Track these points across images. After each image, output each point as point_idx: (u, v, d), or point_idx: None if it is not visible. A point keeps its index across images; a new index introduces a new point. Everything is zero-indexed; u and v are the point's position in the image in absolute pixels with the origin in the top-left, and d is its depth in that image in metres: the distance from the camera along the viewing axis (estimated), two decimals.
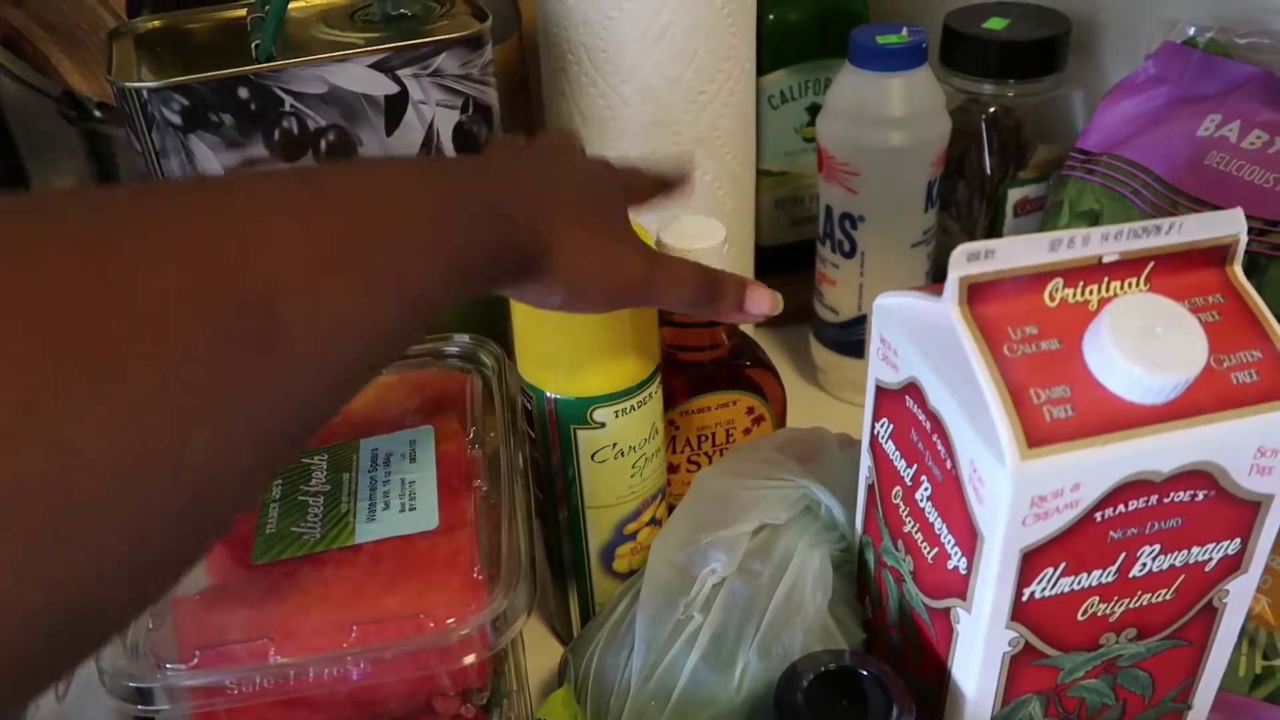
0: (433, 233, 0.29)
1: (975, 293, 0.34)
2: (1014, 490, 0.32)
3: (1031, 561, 0.34)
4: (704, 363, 0.53)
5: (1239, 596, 0.38)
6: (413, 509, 0.41)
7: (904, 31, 0.59)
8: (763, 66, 0.68)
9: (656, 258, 0.40)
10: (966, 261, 0.34)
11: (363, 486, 0.43)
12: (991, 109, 0.62)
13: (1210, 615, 0.38)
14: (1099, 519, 0.34)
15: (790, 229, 0.76)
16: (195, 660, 0.36)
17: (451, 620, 0.36)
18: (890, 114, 0.59)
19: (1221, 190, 0.48)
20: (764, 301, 0.43)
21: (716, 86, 0.57)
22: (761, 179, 0.72)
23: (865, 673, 0.38)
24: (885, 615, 0.44)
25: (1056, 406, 0.33)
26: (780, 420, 0.56)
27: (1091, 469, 0.33)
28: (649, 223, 0.48)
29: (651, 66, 0.55)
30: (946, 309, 0.34)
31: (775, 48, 0.70)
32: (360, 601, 0.37)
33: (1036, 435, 0.32)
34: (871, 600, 0.45)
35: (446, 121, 0.48)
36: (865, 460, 0.43)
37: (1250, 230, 0.46)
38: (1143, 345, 0.32)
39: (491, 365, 0.49)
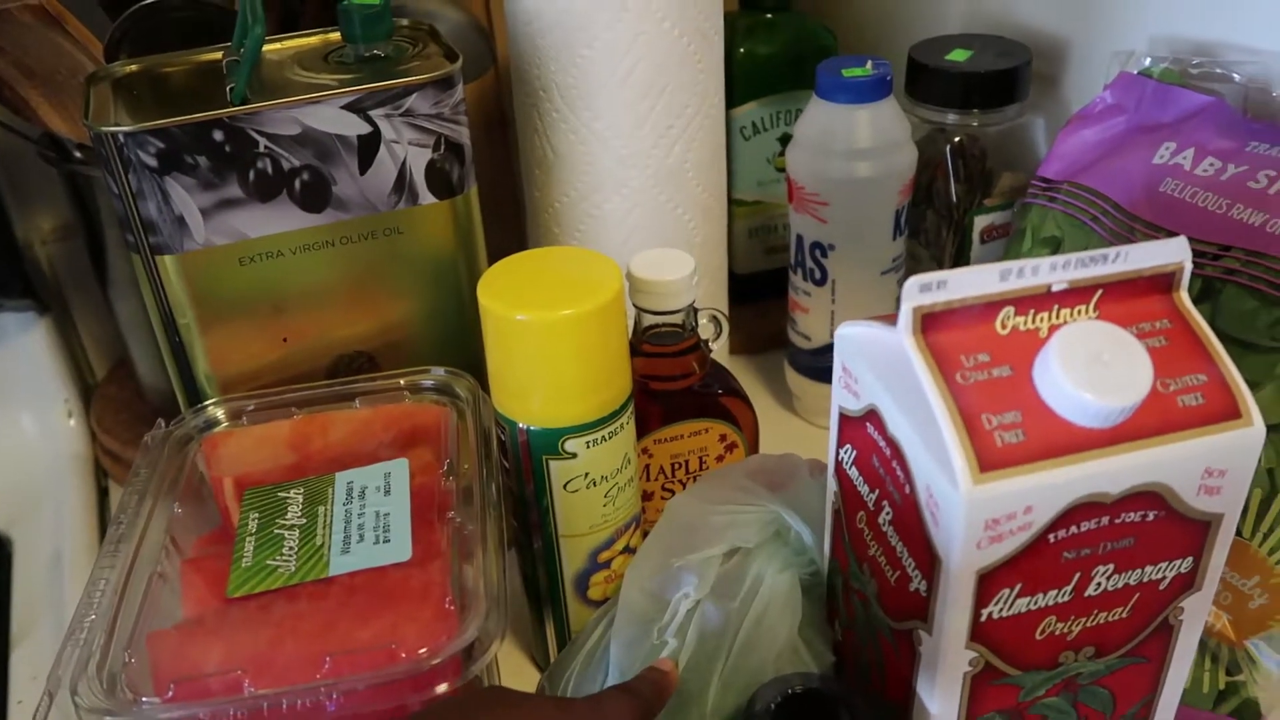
0: None
1: (929, 322, 0.35)
2: (967, 513, 0.33)
3: (988, 583, 0.35)
4: (676, 391, 0.54)
5: (1194, 613, 0.39)
6: (386, 541, 0.42)
7: (869, 65, 0.60)
8: (734, 99, 0.70)
9: None
10: (919, 292, 0.35)
11: (337, 519, 0.43)
12: (956, 138, 0.64)
13: (1167, 633, 0.39)
14: (1052, 540, 0.35)
15: (764, 257, 0.78)
16: (170, 694, 0.36)
17: (423, 650, 0.37)
18: (857, 145, 0.60)
19: (1176, 216, 0.50)
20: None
21: (685, 121, 0.58)
22: (735, 208, 0.74)
23: (831, 694, 0.39)
24: (854, 637, 0.45)
25: (1008, 432, 0.34)
26: (753, 446, 0.57)
27: (1043, 492, 0.33)
28: (620, 259, 0.49)
29: (621, 103, 0.56)
30: (900, 338, 0.35)
31: (746, 80, 0.71)
32: (333, 634, 0.38)
33: (989, 460, 0.33)
34: (841, 623, 0.46)
35: (419, 160, 0.49)
36: (831, 486, 0.44)
37: (1204, 255, 0.47)
38: (1090, 372, 0.33)
39: (467, 398, 0.50)
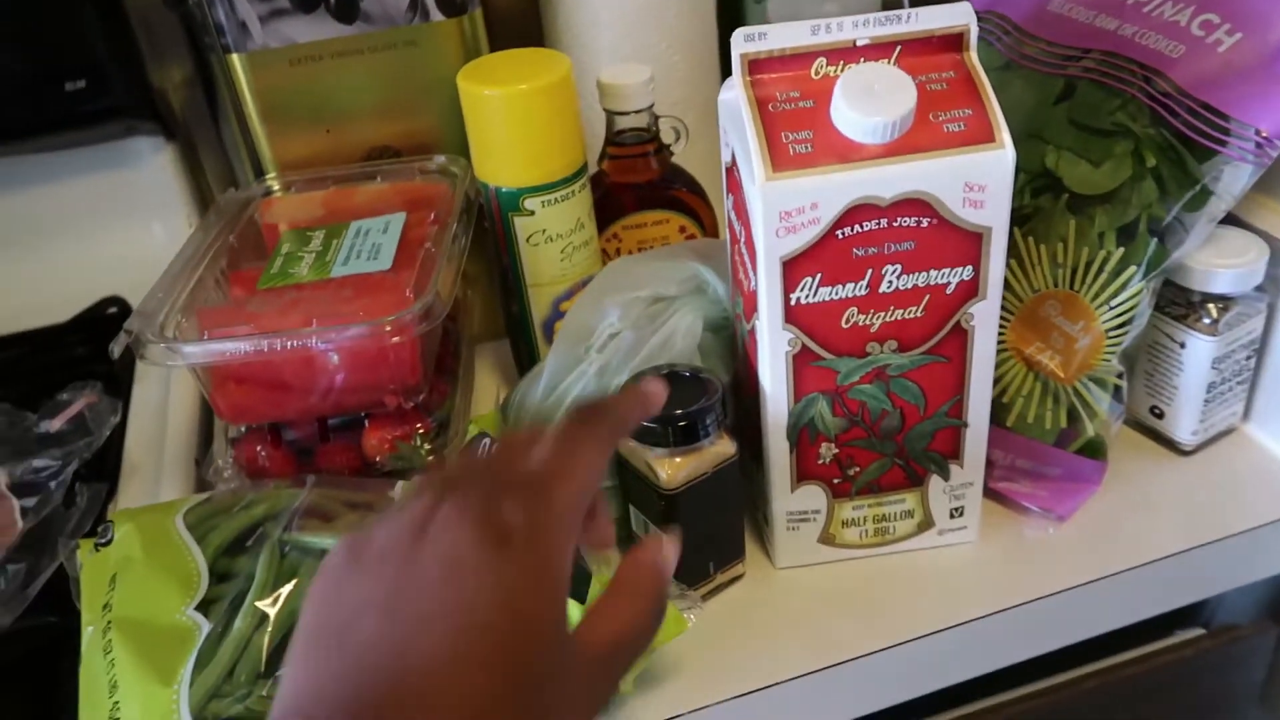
0: None
1: (754, 67, 0.45)
2: (764, 204, 0.44)
3: (791, 270, 0.45)
4: (640, 184, 0.65)
5: (985, 320, 0.48)
6: (375, 259, 0.55)
7: None
8: None
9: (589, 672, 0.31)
10: (744, 41, 0.45)
11: (345, 247, 0.57)
12: None
13: (962, 335, 0.48)
14: (840, 236, 0.45)
15: None
16: (205, 337, 0.50)
17: (384, 317, 0.50)
18: None
19: (1052, 28, 0.57)
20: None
21: None
22: None
23: (686, 374, 0.50)
24: (739, 360, 0.55)
25: (799, 145, 0.44)
26: None
27: (824, 190, 0.44)
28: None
29: None
30: (734, 79, 0.46)
31: None
32: (324, 308, 0.52)
33: (780, 163, 0.44)
34: (737, 356, 0.57)
35: None
36: (723, 234, 0.55)
37: (1069, 58, 0.56)
38: (862, 97, 0.43)
39: (460, 175, 0.63)
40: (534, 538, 0.30)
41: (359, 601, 0.29)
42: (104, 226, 0.83)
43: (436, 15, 0.63)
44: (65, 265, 0.82)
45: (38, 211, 0.81)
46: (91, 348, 0.75)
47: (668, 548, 0.34)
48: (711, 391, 0.49)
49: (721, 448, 0.49)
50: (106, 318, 0.79)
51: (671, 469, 0.48)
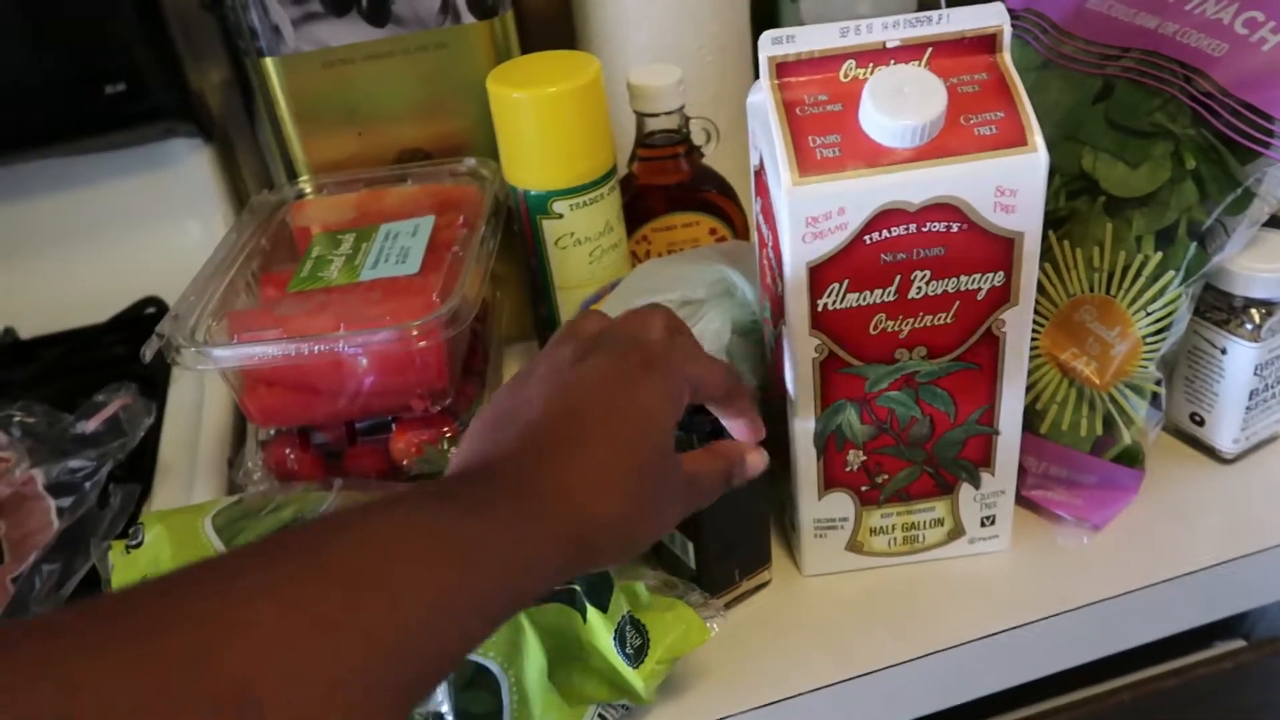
0: (443, 584, 0.28)
1: (783, 70, 0.45)
2: (790, 208, 0.43)
3: (818, 275, 0.45)
4: (671, 185, 0.65)
5: (1017, 327, 0.47)
6: (403, 262, 0.55)
7: None
8: None
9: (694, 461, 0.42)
10: (772, 44, 0.44)
11: (374, 250, 0.57)
12: None
13: (993, 342, 0.47)
14: (868, 241, 0.44)
15: None
16: (235, 340, 0.51)
17: (411, 321, 0.50)
18: None
19: (1091, 26, 0.56)
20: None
21: None
22: None
23: None
24: (767, 364, 0.55)
25: (827, 149, 0.43)
26: None
27: (852, 195, 0.43)
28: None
29: None
30: (762, 82, 0.45)
31: None
32: (352, 311, 0.52)
33: (807, 167, 0.43)
34: (766, 360, 0.56)
35: None
36: (753, 236, 0.54)
37: (1108, 57, 0.54)
38: (891, 100, 0.42)
39: (490, 177, 0.63)
40: (670, 369, 0.39)
41: (529, 396, 0.37)
42: (142, 227, 0.85)
43: (468, 17, 0.63)
44: (105, 266, 0.84)
45: (77, 213, 0.82)
46: (129, 348, 0.76)
47: (755, 450, 0.45)
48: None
49: None
50: (144, 318, 0.80)
51: None
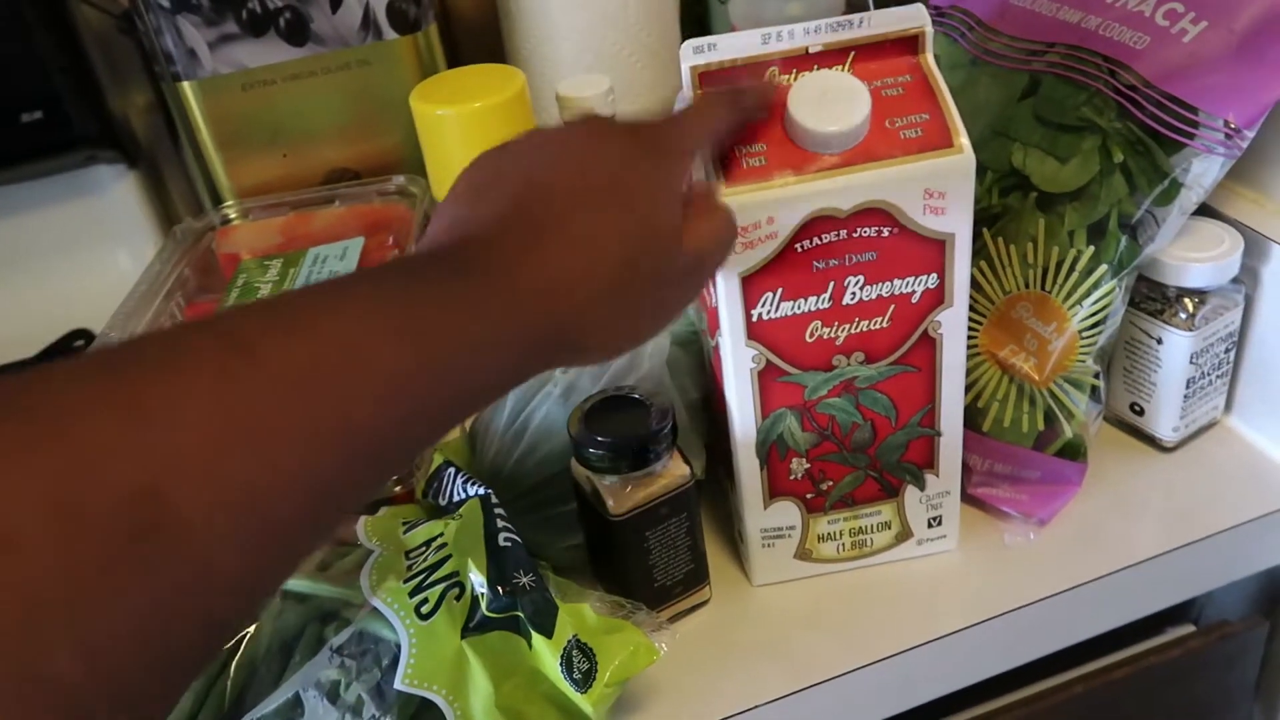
0: (395, 379, 0.25)
1: (705, 79, 0.44)
2: None
3: (751, 286, 0.44)
4: None
5: (953, 328, 0.47)
6: None
7: None
8: None
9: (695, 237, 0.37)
10: (694, 53, 0.44)
11: (302, 276, 0.56)
12: None
13: (930, 344, 0.47)
14: (800, 249, 0.44)
15: None
16: None
17: None
18: None
19: (1017, 23, 0.56)
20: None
21: None
22: None
23: (635, 398, 0.49)
24: (707, 375, 0.54)
25: (753, 159, 0.43)
26: None
27: (779, 205, 0.42)
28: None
29: None
30: (685, 93, 0.44)
31: None
32: None
33: (734, 177, 0.42)
34: (706, 373, 0.56)
35: (380, 2, 0.61)
36: None
37: (1034, 52, 0.54)
38: (814, 107, 0.42)
39: (419, 195, 0.61)
40: (667, 146, 0.36)
41: (514, 165, 0.34)
42: (69, 257, 0.82)
43: (389, 34, 0.62)
44: (31, 298, 0.81)
45: (0, 245, 0.80)
46: None
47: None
48: (660, 416, 0.48)
49: (674, 471, 0.48)
50: (74, 351, 0.78)
51: (619, 497, 0.47)
